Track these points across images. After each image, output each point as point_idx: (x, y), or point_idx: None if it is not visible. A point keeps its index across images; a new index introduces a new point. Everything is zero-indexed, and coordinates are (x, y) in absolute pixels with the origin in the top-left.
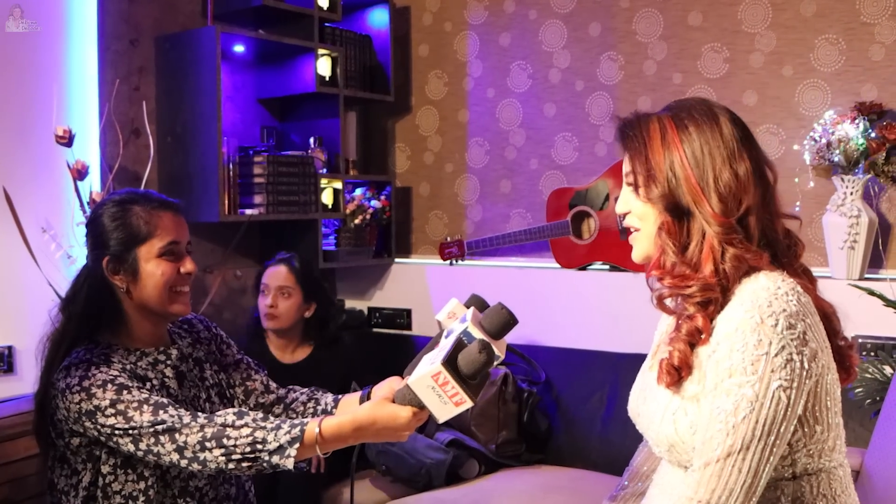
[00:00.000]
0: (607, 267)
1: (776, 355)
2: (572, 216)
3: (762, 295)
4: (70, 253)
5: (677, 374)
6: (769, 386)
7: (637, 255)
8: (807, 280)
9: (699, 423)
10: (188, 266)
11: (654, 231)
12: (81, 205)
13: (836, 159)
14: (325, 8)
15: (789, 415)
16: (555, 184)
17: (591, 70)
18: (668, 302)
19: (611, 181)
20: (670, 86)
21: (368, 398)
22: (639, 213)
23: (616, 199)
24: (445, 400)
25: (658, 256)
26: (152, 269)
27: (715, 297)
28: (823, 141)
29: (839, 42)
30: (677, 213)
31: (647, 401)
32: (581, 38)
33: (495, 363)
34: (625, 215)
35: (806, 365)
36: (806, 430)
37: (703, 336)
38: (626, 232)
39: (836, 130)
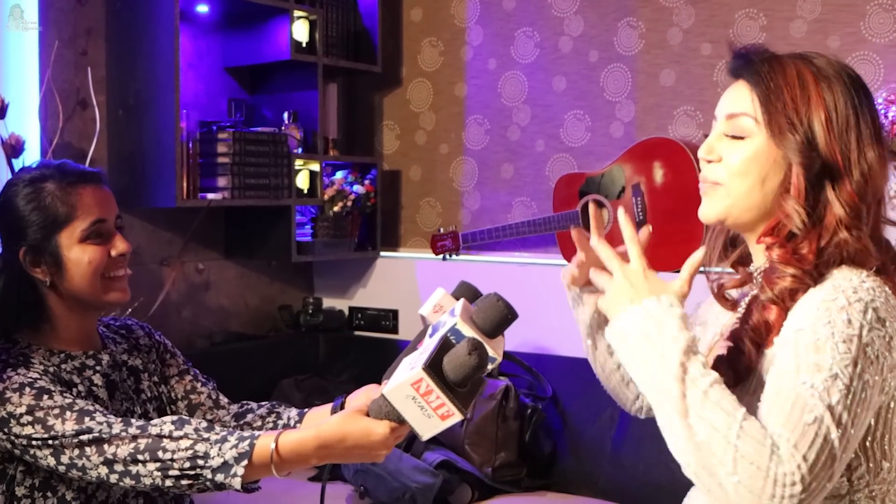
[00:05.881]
0: None
1: (867, 345)
2: (583, 206)
3: (845, 284)
4: None
5: (734, 375)
6: (862, 375)
7: (710, 213)
8: None
9: (774, 395)
10: (120, 246)
11: (745, 191)
12: None
13: (888, 145)
14: None
15: (865, 417)
16: (564, 169)
17: (607, 38)
18: (731, 294)
19: (628, 166)
20: (698, 57)
21: (342, 409)
22: (737, 167)
23: (634, 187)
24: (429, 412)
25: (774, 222)
26: (77, 256)
27: (805, 287)
28: None
29: (895, 8)
30: (813, 177)
31: None
32: (596, 1)
33: (490, 367)
34: (708, 162)
35: (885, 373)
36: (871, 465)
37: (771, 335)
38: (646, 223)
39: (889, 112)
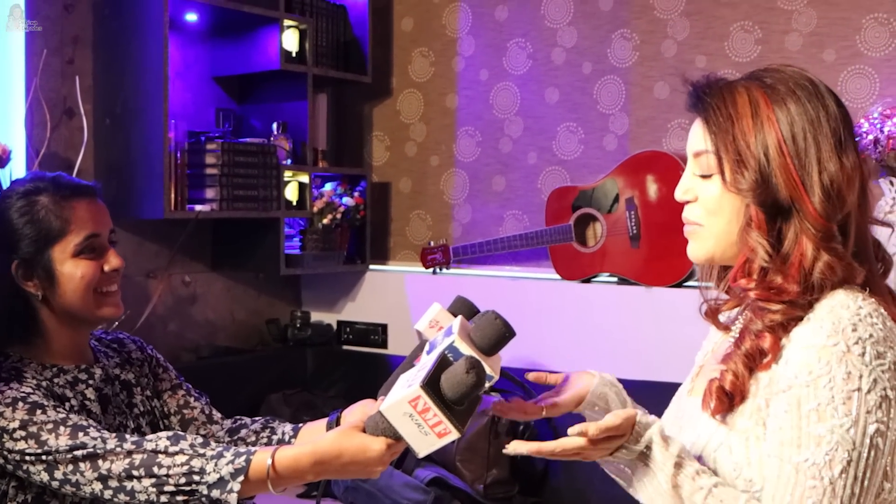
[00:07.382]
0: (615, 280)
1: (869, 392)
2: (576, 220)
3: (843, 315)
4: None
5: (728, 400)
6: (866, 431)
7: (699, 254)
8: (893, 303)
9: (776, 478)
10: (113, 262)
11: (723, 229)
12: None
13: (884, 159)
14: None
15: (878, 467)
16: (556, 182)
17: (600, 50)
18: (722, 316)
19: (622, 179)
20: (692, 70)
21: (338, 424)
22: (710, 206)
23: (627, 200)
24: (426, 430)
25: (742, 261)
26: (70, 270)
27: (797, 318)
28: (870, 138)
29: (890, 22)
30: (771, 209)
31: (683, 430)
32: (590, 12)
33: (487, 385)
34: (686, 203)
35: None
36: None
37: (766, 360)
38: (638, 239)
39: (884, 126)
